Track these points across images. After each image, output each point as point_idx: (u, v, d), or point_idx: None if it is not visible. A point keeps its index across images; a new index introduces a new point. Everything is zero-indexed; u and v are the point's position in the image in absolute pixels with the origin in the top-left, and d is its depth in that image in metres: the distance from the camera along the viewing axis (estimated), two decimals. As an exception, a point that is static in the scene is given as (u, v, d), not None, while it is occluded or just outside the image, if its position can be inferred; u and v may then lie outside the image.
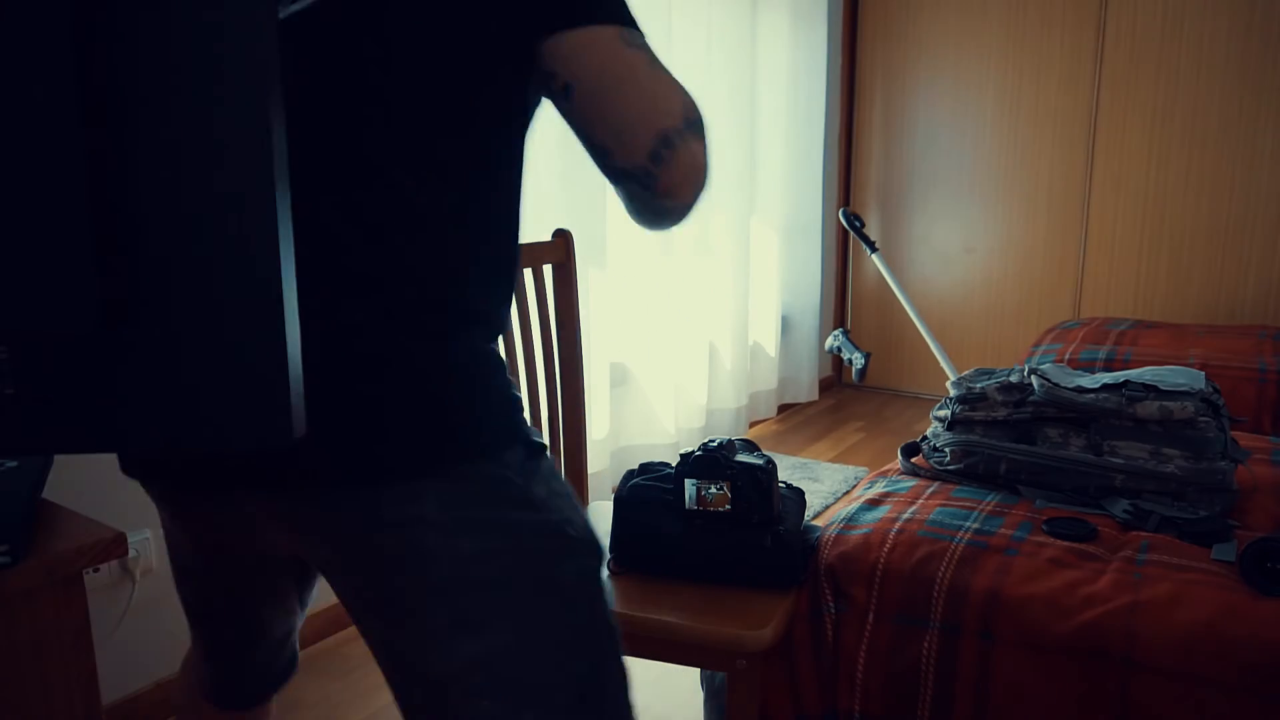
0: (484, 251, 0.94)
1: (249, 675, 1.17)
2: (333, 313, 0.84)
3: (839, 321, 4.79)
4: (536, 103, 0.96)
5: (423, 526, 0.86)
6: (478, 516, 0.88)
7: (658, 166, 0.88)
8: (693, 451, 1.53)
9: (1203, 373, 1.84)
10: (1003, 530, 1.55)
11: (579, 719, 0.91)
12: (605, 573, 0.98)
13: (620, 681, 0.96)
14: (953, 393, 1.83)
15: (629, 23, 0.88)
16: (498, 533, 0.89)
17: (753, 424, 4.15)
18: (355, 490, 0.86)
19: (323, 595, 2.30)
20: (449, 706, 0.88)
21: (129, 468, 0.97)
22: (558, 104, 0.91)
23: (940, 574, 1.45)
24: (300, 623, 1.19)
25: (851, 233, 3.84)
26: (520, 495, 0.92)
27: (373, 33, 0.85)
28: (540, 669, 0.89)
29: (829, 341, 3.53)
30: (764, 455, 1.56)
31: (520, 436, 0.94)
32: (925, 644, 1.43)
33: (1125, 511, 1.61)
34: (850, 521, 1.62)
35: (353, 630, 2.34)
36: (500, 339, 0.99)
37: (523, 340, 1.70)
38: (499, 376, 0.94)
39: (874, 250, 3.64)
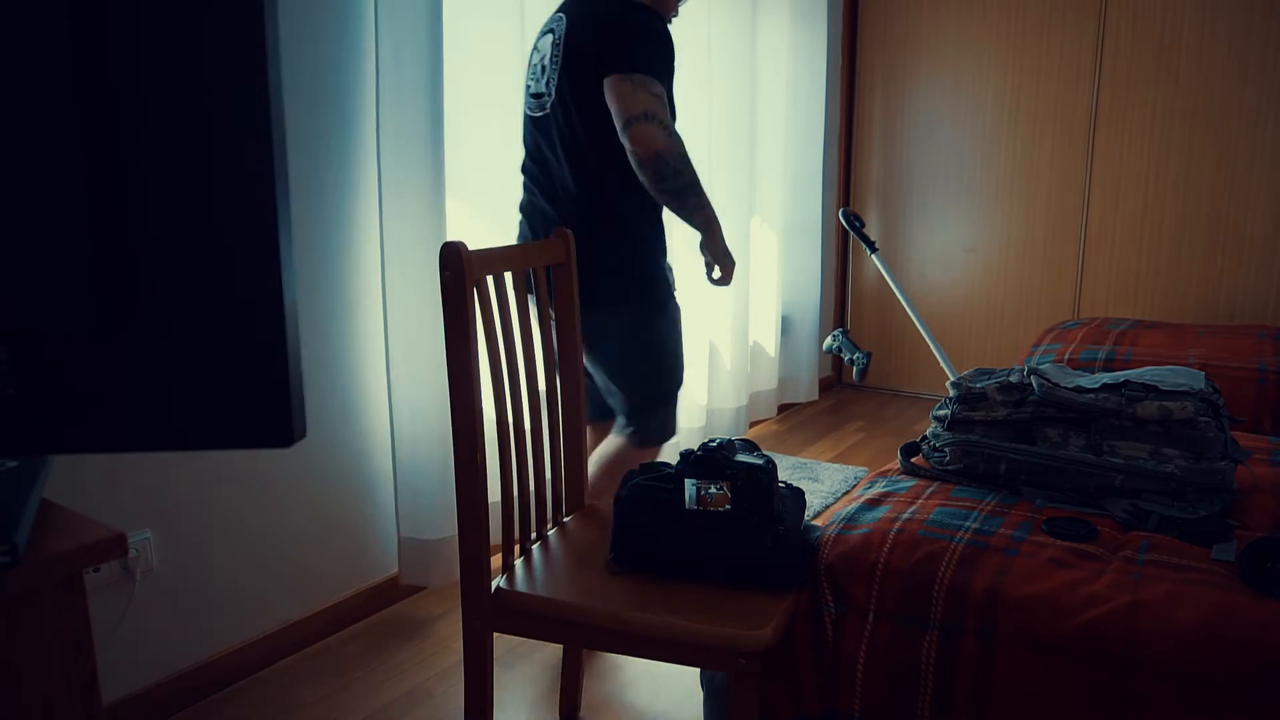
0: (634, 184, 2.07)
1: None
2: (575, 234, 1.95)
3: (839, 321, 4.79)
4: None
5: (617, 325, 2.14)
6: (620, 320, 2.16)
7: (626, 135, 1.98)
8: (693, 451, 1.53)
9: (1203, 373, 1.84)
10: (1003, 530, 1.55)
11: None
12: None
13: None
14: (952, 393, 1.83)
15: (628, 70, 1.97)
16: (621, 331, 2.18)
17: (753, 424, 4.15)
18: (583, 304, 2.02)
19: (323, 598, 2.30)
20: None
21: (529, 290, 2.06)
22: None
23: (940, 574, 1.45)
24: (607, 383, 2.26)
25: (851, 233, 3.84)
26: (645, 315, 2.17)
27: (569, 111, 2.07)
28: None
29: (827, 342, 3.53)
30: (764, 455, 1.56)
31: (650, 290, 2.16)
32: (925, 644, 1.43)
33: (1125, 511, 1.61)
34: (850, 521, 1.62)
35: (352, 631, 2.34)
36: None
37: (523, 340, 1.70)
38: (640, 256, 2.17)
39: (874, 250, 3.64)
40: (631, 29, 2.00)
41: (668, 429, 2.27)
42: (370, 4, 2.23)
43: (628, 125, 1.94)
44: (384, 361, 2.36)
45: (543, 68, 2.11)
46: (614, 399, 2.23)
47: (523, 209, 2.24)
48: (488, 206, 2.64)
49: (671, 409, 2.27)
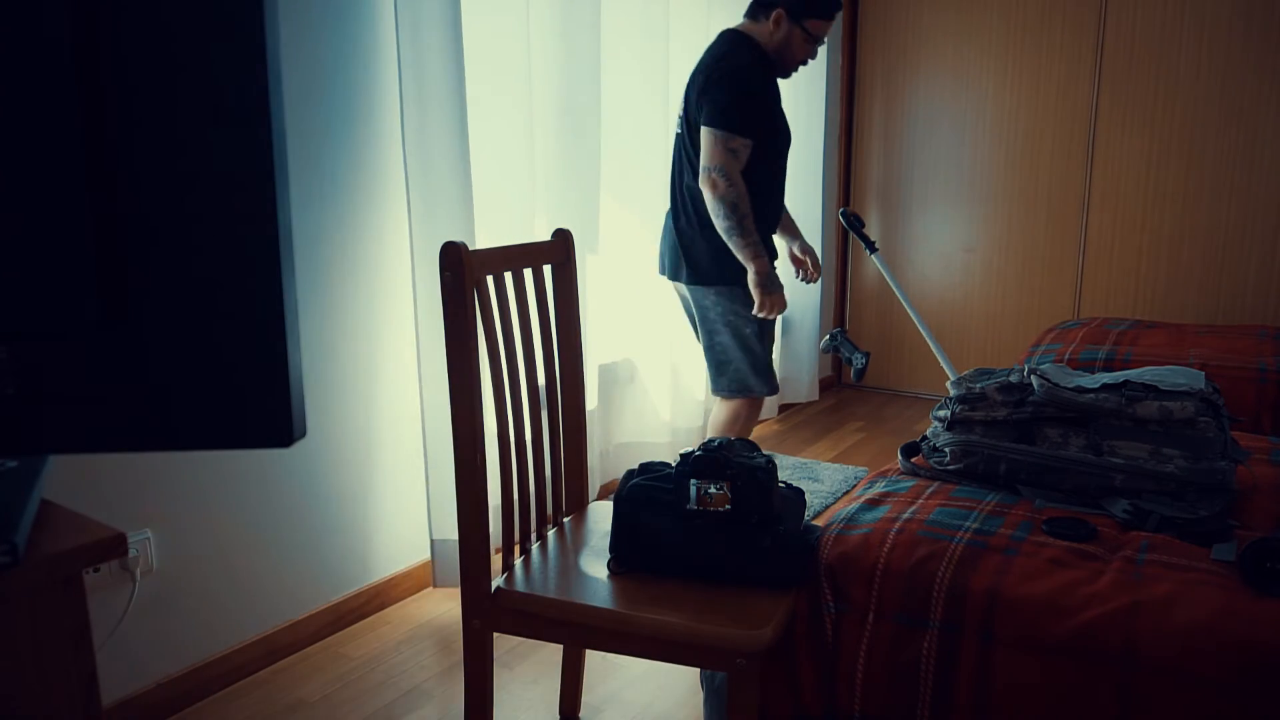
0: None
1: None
2: (680, 226, 2.69)
3: (839, 321, 4.79)
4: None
5: (701, 301, 2.70)
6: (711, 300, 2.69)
7: (701, 177, 2.54)
8: (693, 451, 1.53)
9: (1203, 373, 1.84)
10: (1002, 530, 1.55)
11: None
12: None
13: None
14: (953, 393, 1.83)
15: (713, 125, 2.48)
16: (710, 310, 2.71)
17: (753, 424, 4.15)
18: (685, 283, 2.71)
19: (323, 598, 2.30)
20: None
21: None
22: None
23: (940, 574, 1.45)
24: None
25: (851, 233, 3.83)
26: (720, 300, 2.66)
27: (687, 137, 2.63)
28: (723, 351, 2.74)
29: (824, 341, 3.53)
30: (764, 455, 1.56)
31: (727, 281, 2.62)
32: (925, 644, 1.43)
33: (1125, 511, 1.61)
34: (850, 521, 1.62)
35: (352, 630, 2.34)
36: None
37: (523, 339, 1.70)
38: (727, 252, 2.58)
39: (874, 250, 3.64)
40: (724, 85, 2.49)
41: (741, 389, 2.71)
42: (390, 6, 2.24)
43: (704, 171, 2.51)
44: (415, 361, 2.37)
45: (684, 96, 2.66)
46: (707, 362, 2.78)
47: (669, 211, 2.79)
48: (496, 205, 2.64)
49: (740, 371, 2.70)
